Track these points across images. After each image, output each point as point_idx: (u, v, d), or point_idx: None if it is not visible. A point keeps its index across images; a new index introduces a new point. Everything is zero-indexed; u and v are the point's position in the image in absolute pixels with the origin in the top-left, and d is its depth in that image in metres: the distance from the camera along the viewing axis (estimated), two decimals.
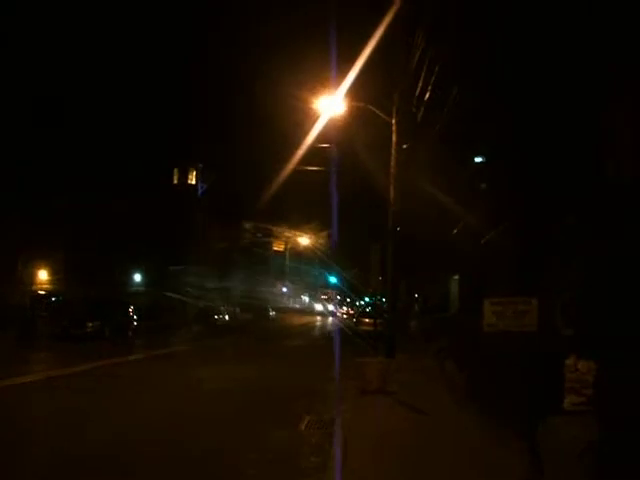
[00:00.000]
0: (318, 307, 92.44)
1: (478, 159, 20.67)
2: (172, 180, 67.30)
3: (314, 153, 27.08)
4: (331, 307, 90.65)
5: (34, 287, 44.18)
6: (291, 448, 8.89)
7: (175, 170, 67.49)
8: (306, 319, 70.99)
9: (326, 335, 43.64)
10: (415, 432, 9.60)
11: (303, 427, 10.44)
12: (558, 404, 5.27)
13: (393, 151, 20.49)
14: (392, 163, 20.51)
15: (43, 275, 46.11)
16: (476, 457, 7.78)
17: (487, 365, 10.00)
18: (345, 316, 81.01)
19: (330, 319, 74.39)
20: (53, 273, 46.01)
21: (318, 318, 75.52)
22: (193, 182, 68.00)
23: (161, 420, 10.68)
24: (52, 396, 12.96)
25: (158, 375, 17.26)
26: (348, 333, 37.18)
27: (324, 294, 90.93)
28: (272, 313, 66.65)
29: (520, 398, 6.00)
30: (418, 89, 19.37)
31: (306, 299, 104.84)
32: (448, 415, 10.91)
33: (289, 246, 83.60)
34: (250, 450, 8.66)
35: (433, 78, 17.93)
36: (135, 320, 32.98)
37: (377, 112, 20.70)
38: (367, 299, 64.30)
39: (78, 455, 8.03)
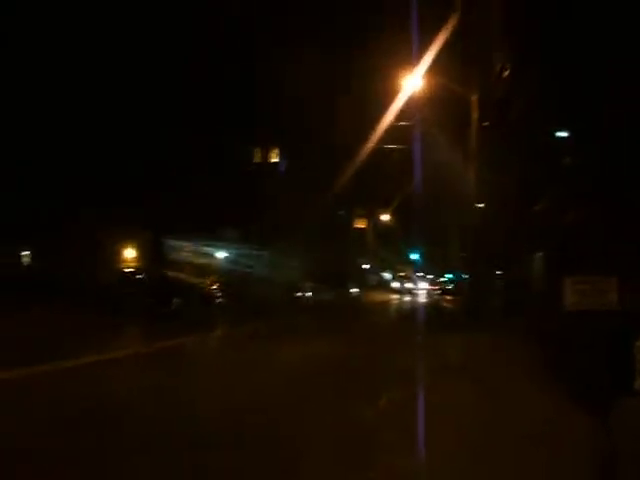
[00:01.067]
0: (395, 285, 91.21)
1: (561, 133, 20.28)
2: (253, 159, 68.10)
3: (398, 130, 27.11)
4: (409, 285, 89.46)
5: (121, 265, 45.56)
6: (372, 424, 9.09)
7: (257, 149, 68.25)
8: (387, 296, 71.33)
9: (408, 312, 43.70)
10: (492, 407, 9.68)
11: (382, 403, 10.66)
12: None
13: (473, 128, 20.40)
14: (472, 140, 20.42)
15: (130, 253, 47.40)
16: (550, 433, 7.83)
17: (567, 343, 9.97)
18: (426, 292, 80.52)
19: (408, 297, 73.99)
20: (138, 251, 47.23)
21: (397, 296, 75.25)
22: (276, 160, 68.70)
23: (250, 395, 11.02)
24: (146, 369, 13.59)
25: (245, 351, 17.69)
26: (429, 310, 37.10)
27: (401, 271, 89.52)
28: (354, 290, 67.03)
29: (597, 377, 6.05)
30: (499, 66, 19.16)
31: (389, 276, 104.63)
32: (527, 391, 10.92)
33: (371, 224, 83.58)
34: (332, 426, 8.91)
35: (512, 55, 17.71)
36: (219, 297, 33.84)
37: (456, 88, 20.62)
38: (450, 276, 64.00)
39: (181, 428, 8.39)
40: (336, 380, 13.02)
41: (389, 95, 22.21)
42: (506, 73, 18.86)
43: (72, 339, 17.76)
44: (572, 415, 8.21)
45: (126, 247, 46.82)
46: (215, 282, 34.97)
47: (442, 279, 76.89)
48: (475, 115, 20.30)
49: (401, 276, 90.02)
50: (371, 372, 14.07)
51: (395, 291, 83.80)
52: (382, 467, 6.94)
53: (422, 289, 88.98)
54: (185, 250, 46.60)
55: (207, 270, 47.72)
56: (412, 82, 20.69)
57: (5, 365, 11.94)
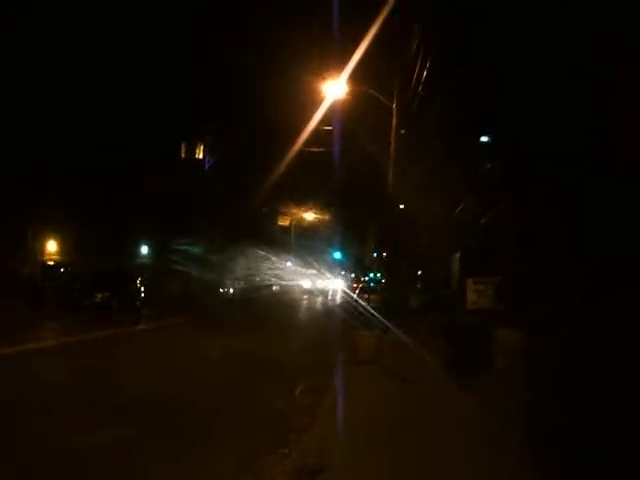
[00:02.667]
0: (306, 284, 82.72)
1: (484, 139, 21.02)
2: (179, 154, 67.53)
3: (321, 132, 27.70)
4: (323, 283, 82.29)
5: (44, 257, 44.96)
6: (286, 410, 9.82)
7: (182, 144, 67.77)
8: (308, 294, 72.15)
9: (327, 308, 44.55)
10: (399, 397, 10.49)
11: (297, 392, 11.37)
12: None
13: (393, 134, 21.25)
14: (392, 146, 21.26)
15: (52, 246, 46.77)
16: (447, 413, 8.73)
17: (466, 338, 10.88)
18: (342, 291, 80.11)
19: (320, 297, 72.20)
20: (63, 244, 46.64)
21: (308, 296, 73.21)
22: (201, 156, 68.34)
23: (166, 382, 11.66)
24: (65, 360, 14.03)
25: (165, 344, 18.20)
26: (347, 308, 37.97)
27: (318, 270, 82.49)
28: (275, 287, 67.62)
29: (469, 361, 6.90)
30: (416, 73, 19.85)
31: (307, 273, 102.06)
32: (431, 383, 11.78)
33: (294, 222, 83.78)
34: (250, 411, 9.65)
35: (428, 64, 18.44)
36: (142, 291, 33.86)
37: (378, 96, 21.40)
38: (372, 275, 65.11)
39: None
40: (254, 369, 13.73)
41: (316, 98, 22.69)
42: (420, 88, 19.68)
43: None
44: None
45: (51, 239, 46.10)
46: (139, 277, 34.96)
47: (365, 278, 77.46)
48: (395, 122, 21.15)
49: (312, 274, 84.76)
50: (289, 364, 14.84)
51: (307, 291, 79.75)
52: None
53: (337, 288, 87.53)
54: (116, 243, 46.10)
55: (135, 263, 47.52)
56: (336, 87, 21.28)
57: None
